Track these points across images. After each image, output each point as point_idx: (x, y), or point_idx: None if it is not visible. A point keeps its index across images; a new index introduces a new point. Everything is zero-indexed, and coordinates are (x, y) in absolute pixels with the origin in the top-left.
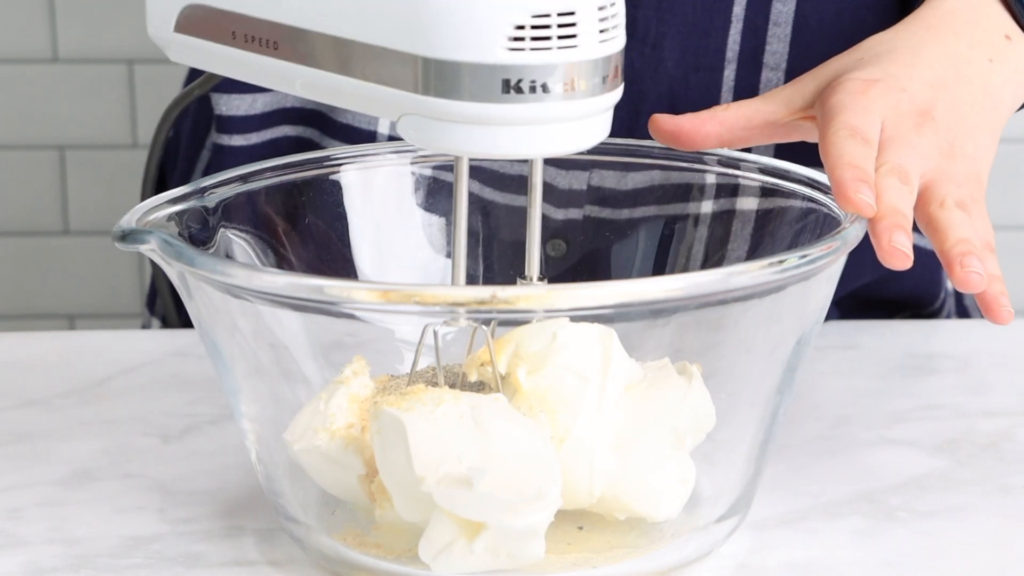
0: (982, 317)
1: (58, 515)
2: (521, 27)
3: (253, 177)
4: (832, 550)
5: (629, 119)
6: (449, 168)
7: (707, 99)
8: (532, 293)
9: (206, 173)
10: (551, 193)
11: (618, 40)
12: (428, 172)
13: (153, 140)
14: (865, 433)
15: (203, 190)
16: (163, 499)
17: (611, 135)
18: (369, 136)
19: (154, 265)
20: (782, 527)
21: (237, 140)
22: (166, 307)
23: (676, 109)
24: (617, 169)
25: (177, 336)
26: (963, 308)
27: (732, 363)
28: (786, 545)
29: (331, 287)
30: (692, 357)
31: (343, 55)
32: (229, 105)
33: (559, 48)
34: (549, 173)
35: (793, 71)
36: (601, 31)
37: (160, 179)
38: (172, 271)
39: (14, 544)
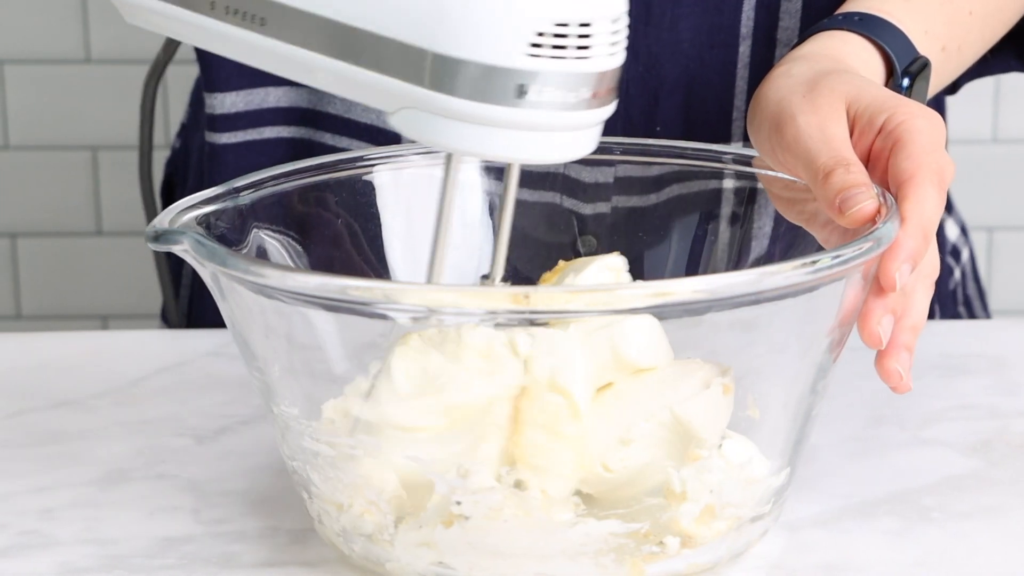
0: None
1: (92, 516)
2: (542, 34)
3: (286, 178)
4: (865, 551)
5: (648, 106)
6: (485, 169)
7: (724, 76)
8: (567, 294)
9: (202, 175)
10: (578, 188)
11: (620, 56)
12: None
13: (141, 120)
14: (899, 434)
15: (236, 191)
16: (197, 500)
17: (632, 122)
18: (367, 129)
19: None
20: (815, 528)
21: (232, 137)
22: (166, 300)
23: (693, 88)
24: (641, 164)
25: (211, 336)
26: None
27: (765, 363)
28: (819, 546)
29: (363, 287)
30: (725, 357)
31: (344, 41)
32: (223, 104)
33: (575, 58)
34: (574, 168)
35: None
36: (612, 44)
37: (169, 192)
38: (205, 271)
39: (48, 544)
